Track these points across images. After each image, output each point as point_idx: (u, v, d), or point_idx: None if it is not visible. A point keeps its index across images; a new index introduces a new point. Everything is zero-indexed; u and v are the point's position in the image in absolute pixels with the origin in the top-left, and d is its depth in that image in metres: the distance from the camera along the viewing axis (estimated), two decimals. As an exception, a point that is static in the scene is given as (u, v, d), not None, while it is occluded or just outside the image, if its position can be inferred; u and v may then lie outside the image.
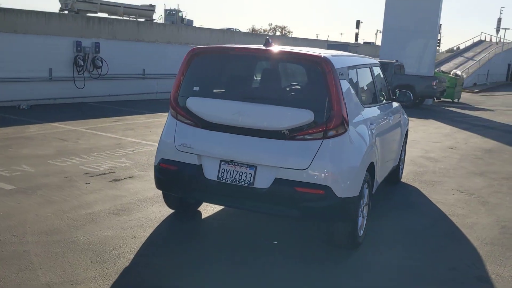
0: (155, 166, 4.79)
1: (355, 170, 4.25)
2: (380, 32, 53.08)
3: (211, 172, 4.42)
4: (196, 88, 4.63)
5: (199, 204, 5.52)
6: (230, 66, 4.83)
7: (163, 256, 4.32)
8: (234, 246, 4.64)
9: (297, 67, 4.70)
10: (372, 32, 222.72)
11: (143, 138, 9.48)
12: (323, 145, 4.14)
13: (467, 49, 59.18)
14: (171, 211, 5.40)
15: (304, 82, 4.59)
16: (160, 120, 11.81)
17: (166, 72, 17.19)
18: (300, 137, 4.20)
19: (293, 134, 4.21)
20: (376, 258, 4.60)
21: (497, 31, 67.85)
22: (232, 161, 4.35)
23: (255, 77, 4.73)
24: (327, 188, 4.10)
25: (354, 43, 40.01)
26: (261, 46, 4.60)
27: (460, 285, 4.17)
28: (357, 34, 61.52)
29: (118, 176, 6.66)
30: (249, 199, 4.35)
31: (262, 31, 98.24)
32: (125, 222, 5.00)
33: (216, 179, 4.39)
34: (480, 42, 64.00)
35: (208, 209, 5.56)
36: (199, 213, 5.47)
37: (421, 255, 4.70)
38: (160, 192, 5.96)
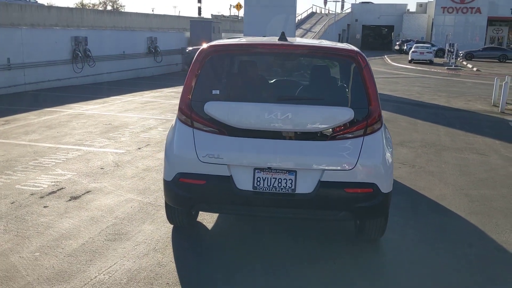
0: (168, 182, 4.22)
1: (392, 164, 4.26)
2: (234, 7, 53.74)
3: (244, 182, 4.06)
4: (216, 92, 4.15)
5: (197, 215, 5.06)
6: (254, 65, 4.42)
7: (224, 282, 3.89)
8: (264, 253, 4.36)
9: (329, 63, 4.48)
10: (209, 5, 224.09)
11: (57, 141, 8.32)
12: (365, 142, 4.06)
13: (303, 21, 63.19)
14: (166, 226, 4.86)
15: (338, 79, 4.40)
16: (56, 117, 10.46)
17: (35, 60, 15.27)
18: (341, 136, 4.05)
19: (333, 133, 4.04)
20: (396, 245, 4.73)
21: (325, 3, 73.55)
22: (269, 168, 4.03)
23: (285, 76, 4.39)
24: (374, 185, 4.05)
25: (216, 20, 39.87)
26: (283, 42, 4.27)
27: (489, 258, 4.50)
28: (200, 8, 61.43)
29: (73, 193, 5.76)
30: (291, 206, 4.10)
31: (91, 5, 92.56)
32: (133, 249, 4.36)
33: (251, 189, 4.04)
34: (313, 14, 68.84)
35: (206, 218, 5.13)
36: (200, 224, 5.01)
37: (433, 234, 4.96)
38: (137, 205, 5.36)
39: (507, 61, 43.22)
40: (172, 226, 4.85)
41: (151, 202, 5.51)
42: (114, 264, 4.07)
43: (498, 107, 14.62)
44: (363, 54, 4.16)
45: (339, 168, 4.01)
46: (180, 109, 4.23)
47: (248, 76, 4.38)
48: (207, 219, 5.11)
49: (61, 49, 16.62)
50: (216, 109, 4.06)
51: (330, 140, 4.05)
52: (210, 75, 4.20)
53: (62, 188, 5.91)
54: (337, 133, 4.04)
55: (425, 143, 9.32)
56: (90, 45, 17.72)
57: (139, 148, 8.03)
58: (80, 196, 5.67)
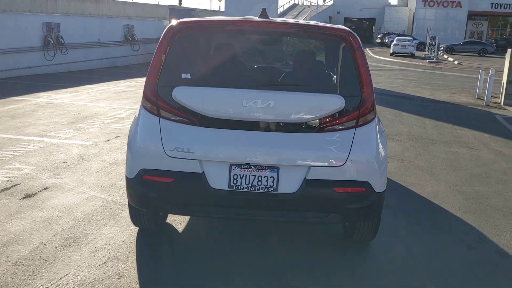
0: (130, 180, 3.66)
1: (386, 159, 3.77)
2: (215, -3, 52.81)
3: (218, 181, 3.52)
4: (186, 75, 3.60)
5: (166, 217, 4.50)
6: (231, 45, 3.86)
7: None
8: (243, 260, 3.84)
9: (315, 46, 3.95)
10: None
11: (19, 132, 7.65)
12: (356, 135, 3.55)
13: (285, 13, 62.63)
14: (131, 228, 4.31)
15: (327, 62, 3.87)
16: (21, 106, 9.75)
17: (4, 46, 14.43)
18: (330, 127, 3.54)
19: (321, 125, 3.52)
20: (388, 249, 4.26)
21: (307, -5, 73.09)
22: (247, 164, 3.50)
23: (266, 58, 3.85)
24: (366, 184, 3.55)
25: (197, 8, 39.01)
26: (264, 19, 3.72)
27: (491, 263, 4.05)
28: (180, -2, 60.81)
29: (28, 190, 5.14)
30: (272, 208, 3.58)
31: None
32: (90, 256, 3.79)
33: (227, 189, 3.51)
34: (294, 6, 68.38)
35: (176, 219, 4.57)
36: (169, 226, 4.46)
37: (428, 236, 4.50)
38: (100, 204, 4.79)
39: (486, 55, 43.33)
40: (137, 228, 4.29)
41: (116, 201, 4.94)
42: (66, 275, 3.50)
43: (483, 100, 14.35)
44: (355, 34, 3.64)
45: (327, 164, 3.50)
46: (144, 96, 3.66)
47: (224, 58, 3.82)
48: (178, 220, 4.56)
49: (32, 36, 15.77)
50: (186, 95, 3.51)
51: (317, 132, 3.53)
52: (180, 56, 3.63)
53: (17, 184, 5.29)
54: (326, 124, 3.52)
55: (412, 136, 8.89)
56: (63, 31, 16.89)
57: (108, 140, 7.41)
58: (36, 193, 5.06)
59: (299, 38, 4.00)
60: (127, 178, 3.72)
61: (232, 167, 3.51)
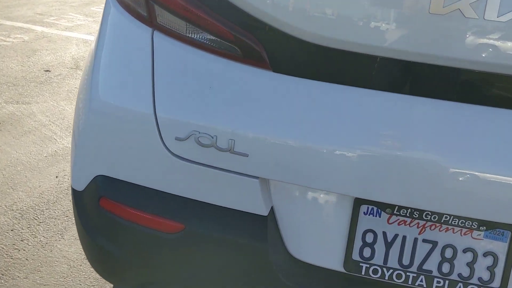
0: (77, 194, 1.35)
1: None
2: None
3: (316, 244, 1.15)
4: None
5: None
6: None
7: None
8: None
9: None
10: None
11: (6, 15, 5.40)
12: None
13: None
14: None
15: None
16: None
17: None
18: None
19: None
20: None
21: None
22: (413, 210, 1.09)
23: None
24: None
25: None
26: None
27: None
28: None
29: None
30: None
31: None
32: None
33: (342, 270, 1.14)
34: None
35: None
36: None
37: None
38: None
39: None
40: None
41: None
42: None
43: None
44: None
45: None
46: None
47: None
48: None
49: None
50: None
51: None
52: None
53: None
54: None
55: None
56: None
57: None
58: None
59: None
60: (73, 191, 1.40)
61: (363, 209, 1.11)
